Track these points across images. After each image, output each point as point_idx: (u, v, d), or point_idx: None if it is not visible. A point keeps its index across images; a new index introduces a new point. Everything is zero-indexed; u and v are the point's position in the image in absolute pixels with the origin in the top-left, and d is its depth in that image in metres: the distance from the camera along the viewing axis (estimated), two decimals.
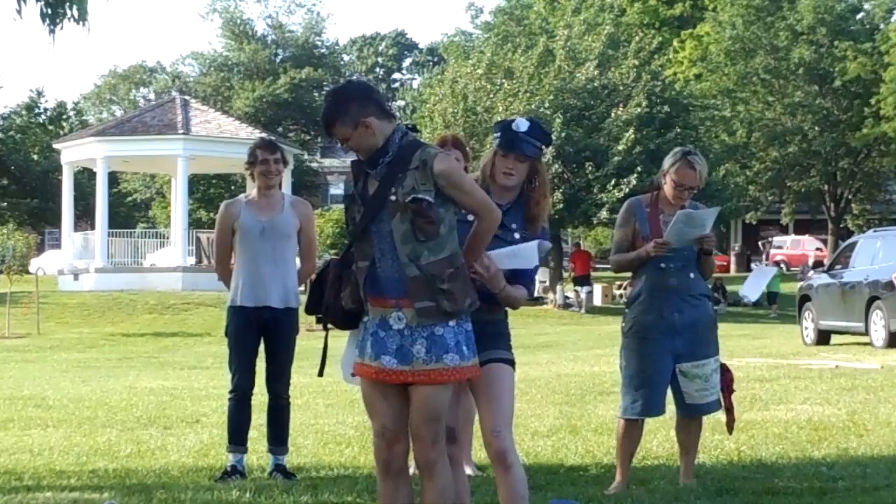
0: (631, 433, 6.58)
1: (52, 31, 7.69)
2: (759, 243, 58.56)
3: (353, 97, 4.62)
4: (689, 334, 6.42)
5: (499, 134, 5.16)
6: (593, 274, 49.71)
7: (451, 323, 4.57)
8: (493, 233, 4.76)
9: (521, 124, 5.14)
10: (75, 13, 7.67)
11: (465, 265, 4.66)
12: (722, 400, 6.66)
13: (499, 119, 41.43)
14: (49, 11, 7.67)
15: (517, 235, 5.06)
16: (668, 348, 6.41)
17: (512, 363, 5.09)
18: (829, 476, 6.99)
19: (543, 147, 5.16)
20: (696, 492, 6.49)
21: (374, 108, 4.60)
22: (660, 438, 8.68)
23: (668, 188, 6.45)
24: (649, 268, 6.43)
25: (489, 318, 5.01)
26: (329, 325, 4.80)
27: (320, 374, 4.93)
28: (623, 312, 6.68)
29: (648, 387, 6.45)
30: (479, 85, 38.41)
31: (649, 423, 9.70)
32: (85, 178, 51.67)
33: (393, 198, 4.56)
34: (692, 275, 6.44)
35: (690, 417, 6.65)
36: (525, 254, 5.01)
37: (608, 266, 63.96)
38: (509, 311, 5.20)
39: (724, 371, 6.68)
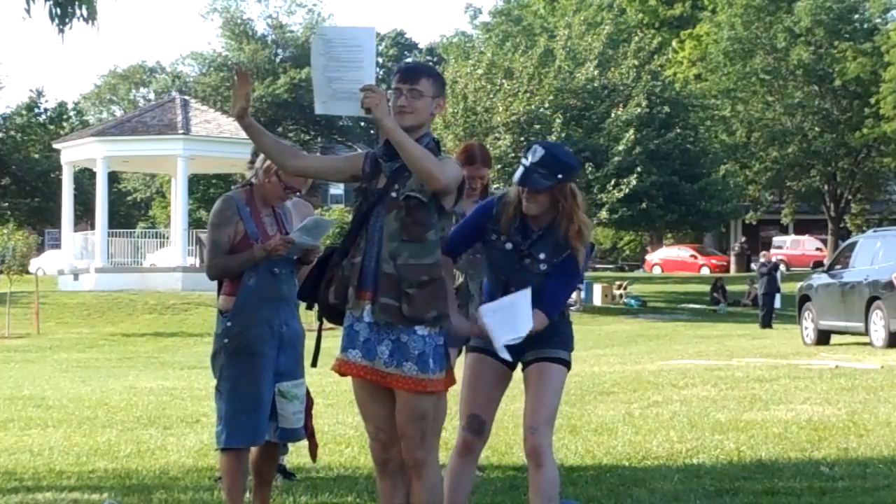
0: (241, 465, 5.63)
1: (61, 31, 7.68)
2: (737, 245, 57.52)
3: (445, 84, 4.82)
4: (292, 350, 5.68)
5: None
6: (593, 274, 49.78)
7: (421, 332, 4.57)
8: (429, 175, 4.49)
9: (535, 153, 4.89)
10: (84, 12, 7.65)
11: (445, 281, 4.65)
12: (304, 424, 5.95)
13: (499, 119, 40.30)
14: (58, 11, 7.65)
15: (543, 267, 4.96)
16: (272, 365, 5.61)
17: (564, 363, 5.06)
18: (829, 476, 7.00)
19: (560, 175, 4.85)
20: (696, 492, 6.49)
21: (444, 104, 4.83)
22: (660, 438, 8.68)
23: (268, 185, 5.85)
24: (260, 272, 5.60)
25: None
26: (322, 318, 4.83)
27: (314, 364, 4.94)
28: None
29: (260, 409, 5.57)
30: (478, 85, 38.39)
31: (649, 422, 9.74)
32: (85, 178, 51.68)
33: (394, 195, 4.59)
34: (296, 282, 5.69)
35: (276, 444, 5.78)
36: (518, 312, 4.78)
37: (608, 266, 63.09)
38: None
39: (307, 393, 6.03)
